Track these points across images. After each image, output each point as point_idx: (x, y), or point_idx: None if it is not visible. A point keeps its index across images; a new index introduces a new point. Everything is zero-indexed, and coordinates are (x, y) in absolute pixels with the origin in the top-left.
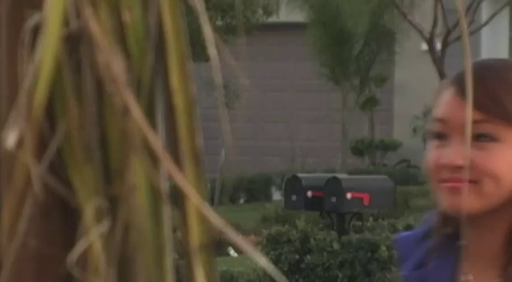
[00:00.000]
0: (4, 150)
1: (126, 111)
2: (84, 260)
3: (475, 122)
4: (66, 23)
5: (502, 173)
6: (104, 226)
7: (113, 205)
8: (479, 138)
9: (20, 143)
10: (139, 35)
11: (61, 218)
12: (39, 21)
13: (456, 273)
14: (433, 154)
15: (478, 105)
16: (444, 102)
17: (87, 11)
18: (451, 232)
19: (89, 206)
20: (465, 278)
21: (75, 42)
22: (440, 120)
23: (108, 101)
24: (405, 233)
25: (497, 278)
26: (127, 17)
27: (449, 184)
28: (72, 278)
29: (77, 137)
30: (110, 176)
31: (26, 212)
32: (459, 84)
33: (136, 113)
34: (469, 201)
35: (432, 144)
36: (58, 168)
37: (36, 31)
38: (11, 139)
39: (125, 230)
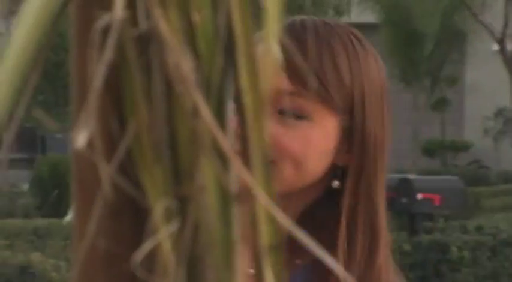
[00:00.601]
0: (74, 150)
1: (195, 111)
2: (153, 260)
3: (284, 94)
4: (135, 23)
5: (304, 157)
6: (174, 226)
7: (183, 205)
8: (286, 113)
9: (90, 143)
10: (208, 35)
11: (131, 219)
12: (109, 21)
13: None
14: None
15: (292, 75)
16: None
17: (157, 12)
18: None
19: (159, 206)
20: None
21: (145, 42)
22: None
23: (178, 102)
24: None
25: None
26: (197, 17)
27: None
28: (142, 278)
29: (147, 138)
30: (180, 176)
31: (96, 212)
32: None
33: (206, 113)
34: None
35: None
36: (128, 169)
37: (106, 32)
38: (81, 139)
39: (195, 230)
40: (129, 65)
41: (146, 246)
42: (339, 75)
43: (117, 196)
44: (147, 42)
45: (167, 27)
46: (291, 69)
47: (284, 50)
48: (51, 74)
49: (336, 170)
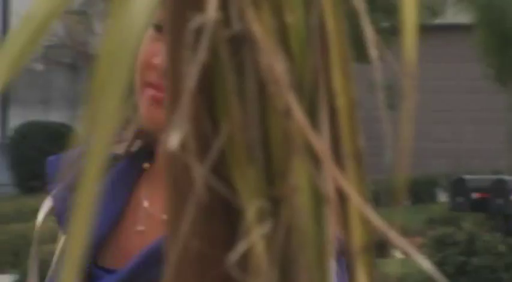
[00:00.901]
0: (168, 151)
1: (288, 112)
2: (245, 261)
3: None
4: (228, 24)
5: None
6: (266, 227)
7: (275, 206)
8: None
9: (183, 144)
10: (301, 36)
11: (223, 219)
12: (202, 22)
13: (136, 198)
14: (148, 48)
15: None
16: None
17: (250, 13)
18: (137, 151)
19: (251, 207)
20: (146, 204)
21: (237, 43)
22: None
23: (271, 102)
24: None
25: None
26: (289, 18)
27: (151, 91)
28: (234, 279)
29: (240, 138)
30: (272, 177)
31: (189, 213)
32: None
33: (298, 114)
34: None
35: (150, 34)
36: (220, 170)
37: (199, 32)
38: (174, 141)
39: (287, 231)
40: (222, 66)
41: (240, 248)
42: None
43: (210, 197)
44: (240, 43)
45: (260, 28)
46: None
47: None
48: None
49: None
